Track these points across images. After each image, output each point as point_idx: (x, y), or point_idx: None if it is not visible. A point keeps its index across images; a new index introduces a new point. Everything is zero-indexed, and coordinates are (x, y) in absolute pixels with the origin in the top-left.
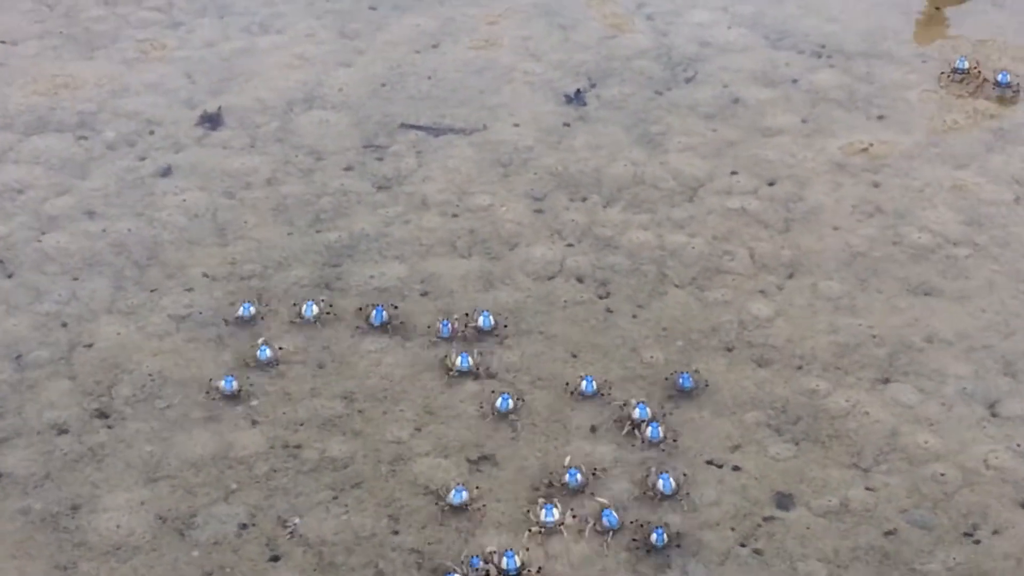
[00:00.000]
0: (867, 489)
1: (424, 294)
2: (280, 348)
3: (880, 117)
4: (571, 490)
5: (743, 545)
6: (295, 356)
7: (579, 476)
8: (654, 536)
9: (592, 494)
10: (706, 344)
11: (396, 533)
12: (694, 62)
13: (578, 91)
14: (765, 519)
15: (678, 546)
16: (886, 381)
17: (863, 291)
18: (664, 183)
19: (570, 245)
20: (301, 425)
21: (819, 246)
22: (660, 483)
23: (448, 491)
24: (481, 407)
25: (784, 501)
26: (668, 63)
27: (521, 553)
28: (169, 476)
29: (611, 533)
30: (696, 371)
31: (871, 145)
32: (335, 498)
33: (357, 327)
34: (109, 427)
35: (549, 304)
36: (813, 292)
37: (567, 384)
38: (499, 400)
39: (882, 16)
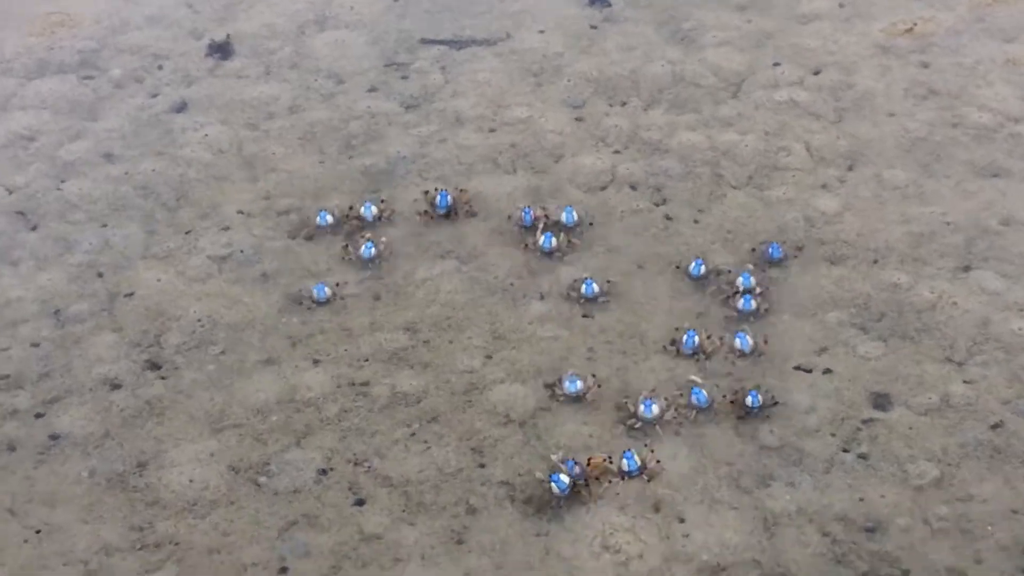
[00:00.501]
0: (965, 383)
1: (472, 215)
2: (336, 284)
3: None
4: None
5: (846, 451)
6: (350, 290)
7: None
8: (749, 399)
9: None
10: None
11: (482, 467)
12: None
13: None
14: (864, 422)
15: (774, 404)
16: (967, 269)
17: (929, 177)
18: (705, 80)
19: (617, 152)
20: (366, 361)
21: (876, 134)
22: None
23: (561, 381)
24: (568, 295)
25: (881, 401)
26: None
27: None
28: (236, 425)
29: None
30: (784, 242)
31: (915, 25)
32: (413, 435)
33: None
34: (163, 378)
35: (606, 215)
36: (878, 182)
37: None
38: (583, 286)
39: None
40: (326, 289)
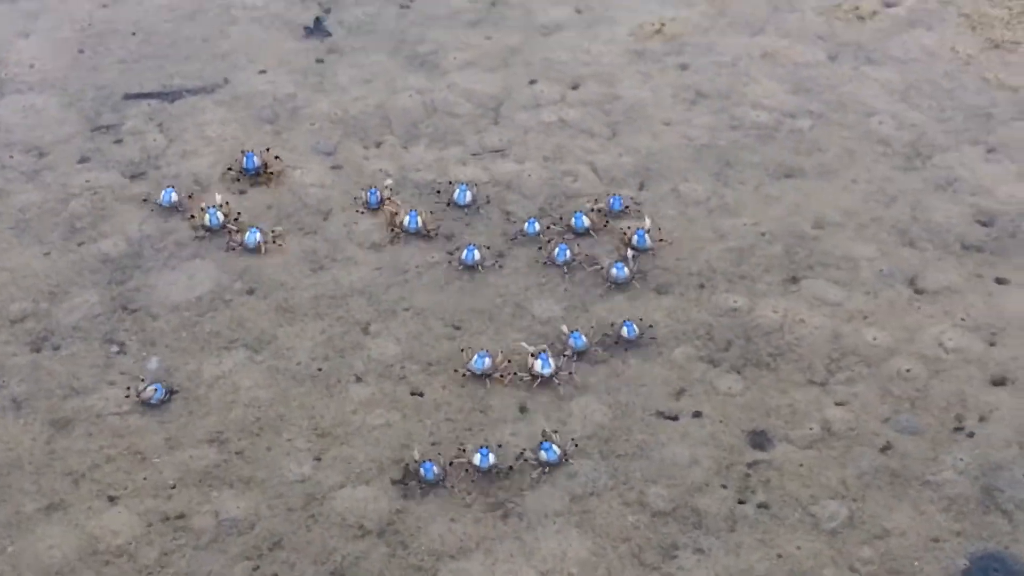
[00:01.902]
0: (838, 405)
1: (250, 292)
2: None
3: None
4: None
5: (742, 502)
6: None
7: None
8: (625, 330)
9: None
10: (592, 280)
11: None
12: None
13: (317, 20)
14: (750, 465)
15: (652, 334)
16: (795, 280)
17: (726, 186)
18: (460, 107)
19: (394, 196)
20: (173, 488)
21: (658, 145)
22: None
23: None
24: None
25: (760, 440)
26: None
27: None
28: None
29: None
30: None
31: (663, 25)
32: (256, 569)
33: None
34: None
35: (400, 274)
36: (677, 198)
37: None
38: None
39: None
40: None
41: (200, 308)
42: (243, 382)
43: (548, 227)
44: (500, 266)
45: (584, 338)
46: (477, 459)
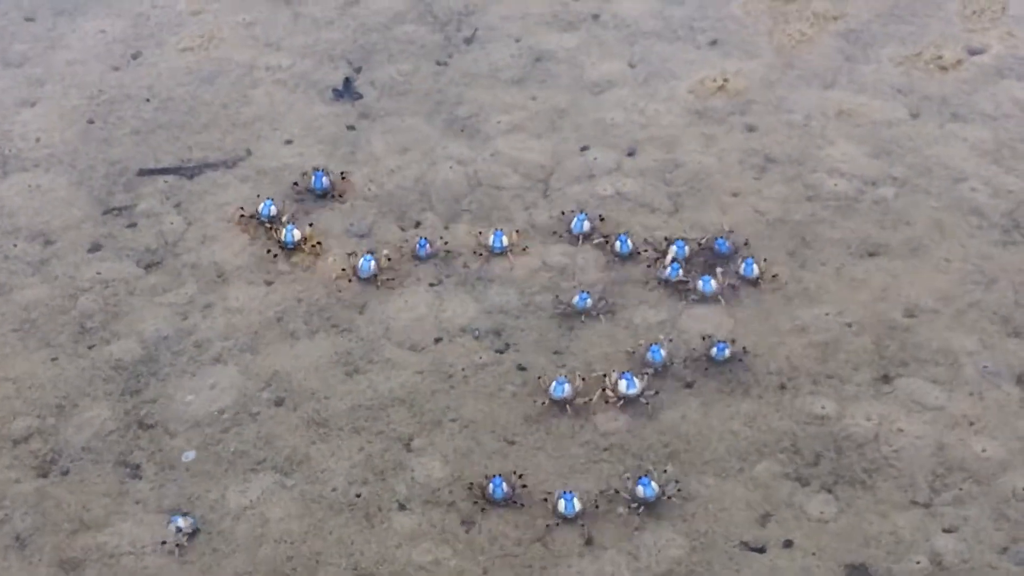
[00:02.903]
0: (947, 532)
1: (279, 403)
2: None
3: (714, 43)
4: None
5: None
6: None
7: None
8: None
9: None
10: (657, 380)
11: None
12: (466, 16)
13: (347, 81)
14: None
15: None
16: (888, 379)
17: (803, 268)
18: (506, 179)
19: (433, 287)
20: None
21: (728, 220)
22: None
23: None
24: (435, 498)
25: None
26: (436, 23)
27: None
28: None
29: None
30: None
31: (725, 81)
32: None
33: None
34: None
35: (446, 379)
36: (751, 282)
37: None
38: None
39: None
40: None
41: (223, 423)
42: (273, 512)
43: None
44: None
45: (663, 352)
46: None
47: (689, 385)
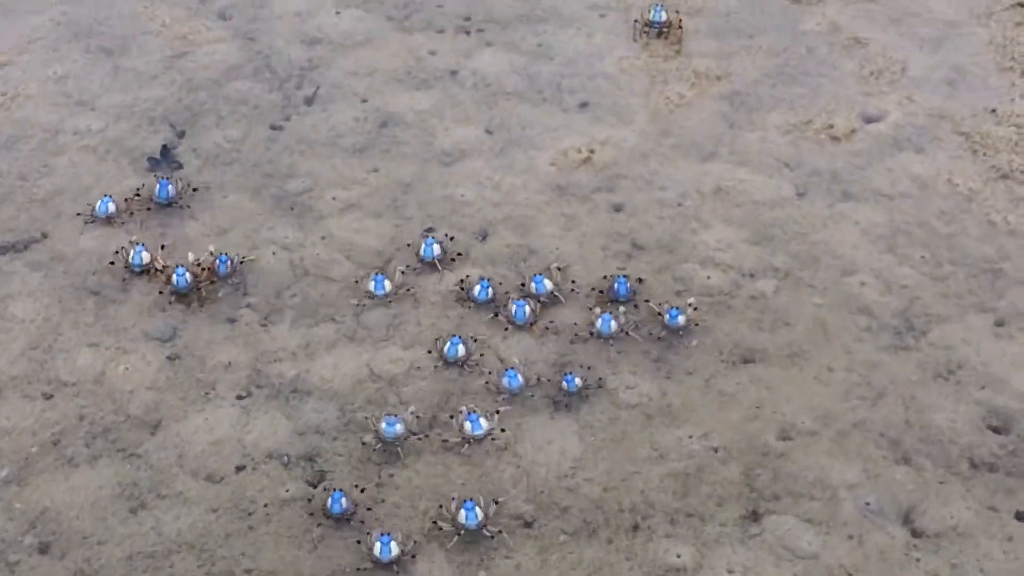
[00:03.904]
0: None
1: (43, 550)
2: None
3: (583, 106)
4: None
5: None
6: None
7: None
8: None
9: None
10: (493, 517)
11: None
12: (308, 71)
13: (164, 148)
14: None
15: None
16: (756, 516)
17: (669, 378)
18: (338, 268)
19: (241, 399)
20: None
21: (580, 318)
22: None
23: None
24: None
25: None
26: (274, 79)
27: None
28: None
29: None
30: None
31: (591, 152)
32: None
33: None
34: None
35: (242, 516)
36: (606, 397)
37: None
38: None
39: None
40: None
41: None
42: None
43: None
44: (369, 508)
45: (520, 378)
46: None
47: (528, 524)
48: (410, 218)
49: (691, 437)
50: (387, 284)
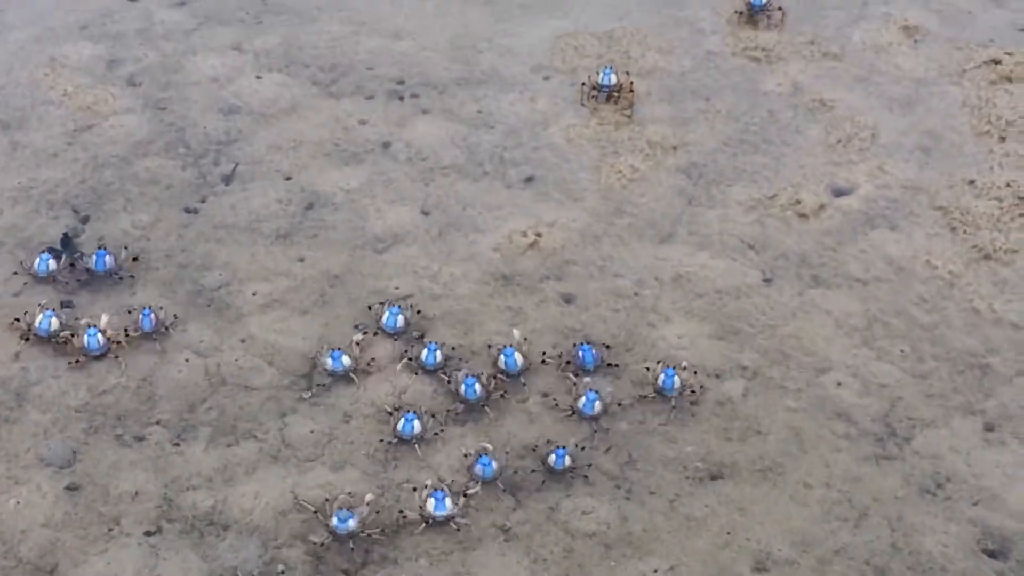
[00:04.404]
0: None
1: None
2: None
3: (528, 180)
4: None
5: None
6: None
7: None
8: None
9: None
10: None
11: None
12: (226, 145)
13: (65, 237)
14: None
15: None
16: None
17: (629, 498)
18: (259, 376)
19: (152, 534)
20: None
21: (532, 434)
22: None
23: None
24: None
25: None
26: (188, 155)
27: None
28: None
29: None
30: None
31: (538, 235)
32: None
33: None
34: None
35: None
36: (557, 524)
37: None
38: None
39: (462, 20)
40: None
41: None
42: None
43: None
44: None
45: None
46: None
47: None
48: (338, 316)
49: (656, 571)
50: (345, 359)
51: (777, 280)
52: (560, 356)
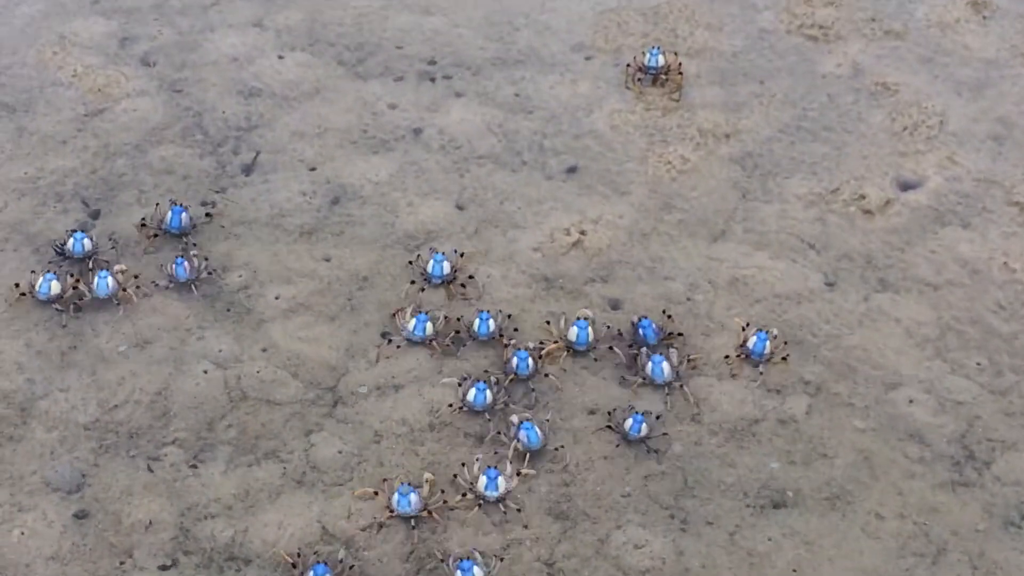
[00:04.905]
0: None
1: None
2: None
3: (571, 171)
4: None
5: None
6: None
7: None
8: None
9: None
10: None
11: None
12: (247, 131)
13: (60, 246)
14: None
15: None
16: None
17: (686, 530)
18: (282, 390)
19: (166, 568)
20: None
21: (579, 455)
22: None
23: None
24: None
25: None
26: (206, 142)
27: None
28: None
29: None
30: None
31: (582, 233)
32: None
33: None
34: None
35: None
36: (606, 559)
37: None
38: None
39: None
40: None
41: None
42: None
43: None
44: None
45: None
46: None
47: None
48: (367, 323)
49: None
50: (429, 326)
51: (841, 284)
52: (620, 334)
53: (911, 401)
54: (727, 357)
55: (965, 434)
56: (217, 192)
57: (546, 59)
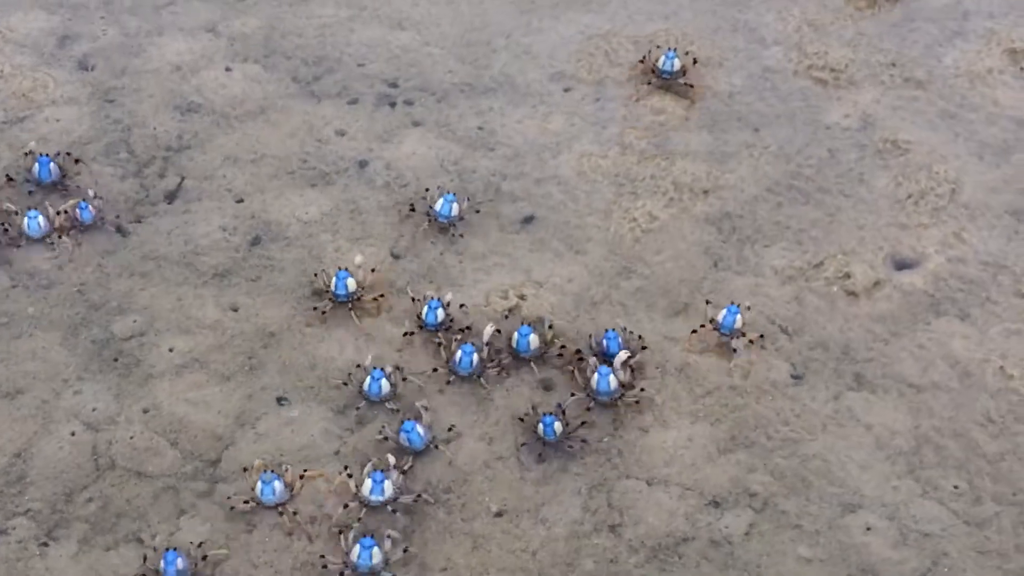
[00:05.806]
0: None
1: None
2: None
3: (527, 221)
4: None
5: None
6: None
7: None
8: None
9: None
10: None
11: None
12: (176, 152)
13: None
14: None
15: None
16: None
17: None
18: (156, 460)
19: None
20: None
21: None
22: None
23: None
24: None
25: None
26: (131, 162)
27: None
28: None
29: None
30: None
31: (521, 298)
32: None
33: None
34: None
35: None
36: None
37: None
38: None
39: (478, 8)
40: None
41: None
42: None
43: None
44: None
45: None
46: None
47: None
48: (264, 388)
49: None
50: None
51: (809, 377)
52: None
53: (869, 528)
54: (694, 331)
55: (927, 574)
56: (132, 222)
57: (520, 88)
